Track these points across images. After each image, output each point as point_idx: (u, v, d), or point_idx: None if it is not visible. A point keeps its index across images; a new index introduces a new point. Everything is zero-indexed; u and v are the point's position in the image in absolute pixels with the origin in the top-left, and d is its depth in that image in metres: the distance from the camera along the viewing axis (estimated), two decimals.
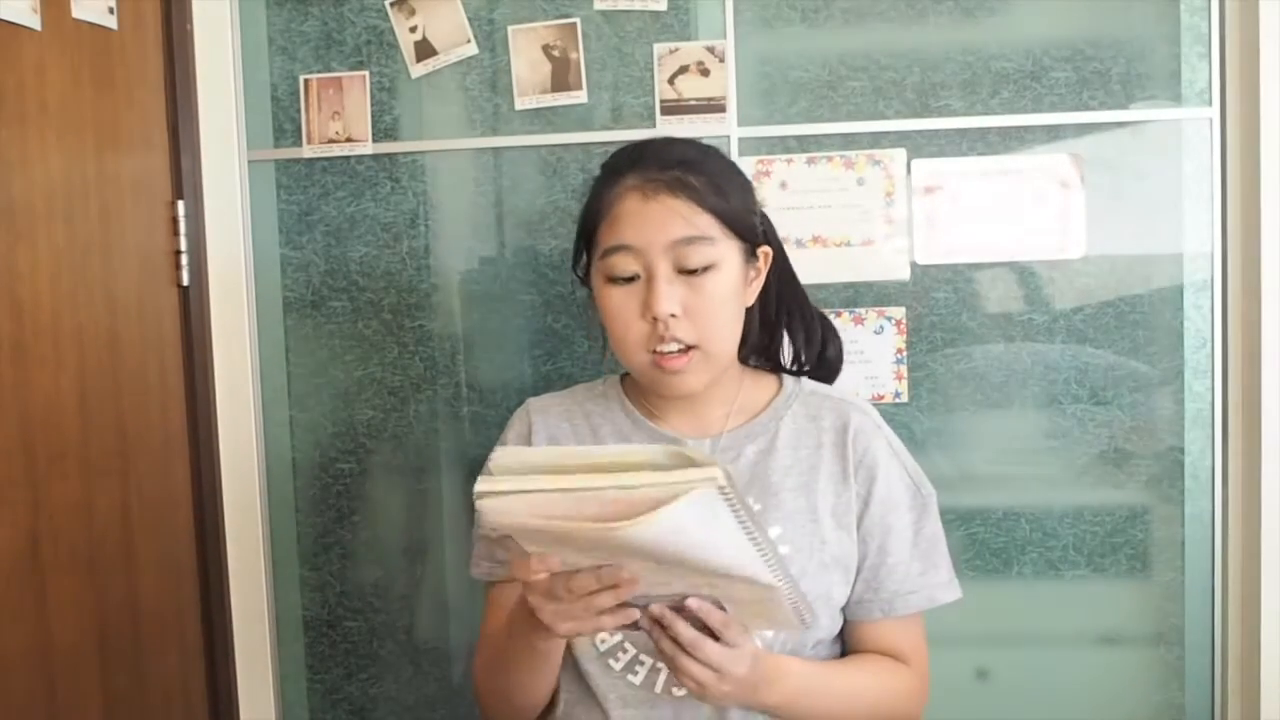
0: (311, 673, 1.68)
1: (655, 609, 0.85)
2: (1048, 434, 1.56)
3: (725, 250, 1.02)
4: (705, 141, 1.12)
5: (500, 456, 0.81)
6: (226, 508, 1.61)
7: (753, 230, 1.06)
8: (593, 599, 0.83)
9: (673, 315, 0.99)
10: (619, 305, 1.02)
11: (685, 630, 0.86)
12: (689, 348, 1.01)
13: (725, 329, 1.04)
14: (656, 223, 0.99)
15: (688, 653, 0.86)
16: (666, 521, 0.71)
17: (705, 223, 1.00)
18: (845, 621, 1.11)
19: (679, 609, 0.86)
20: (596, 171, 1.10)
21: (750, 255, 1.06)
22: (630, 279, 1.01)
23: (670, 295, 0.99)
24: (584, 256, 1.08)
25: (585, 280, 1.09)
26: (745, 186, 1.08)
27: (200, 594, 1.55)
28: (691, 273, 1.00)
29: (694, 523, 0.73)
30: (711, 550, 0.77)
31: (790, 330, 1.18)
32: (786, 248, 1.17)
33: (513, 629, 0.97)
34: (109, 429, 1.35)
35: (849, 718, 1.03)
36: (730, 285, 1.03)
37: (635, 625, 0.86)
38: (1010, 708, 1.58)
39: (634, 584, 0.82)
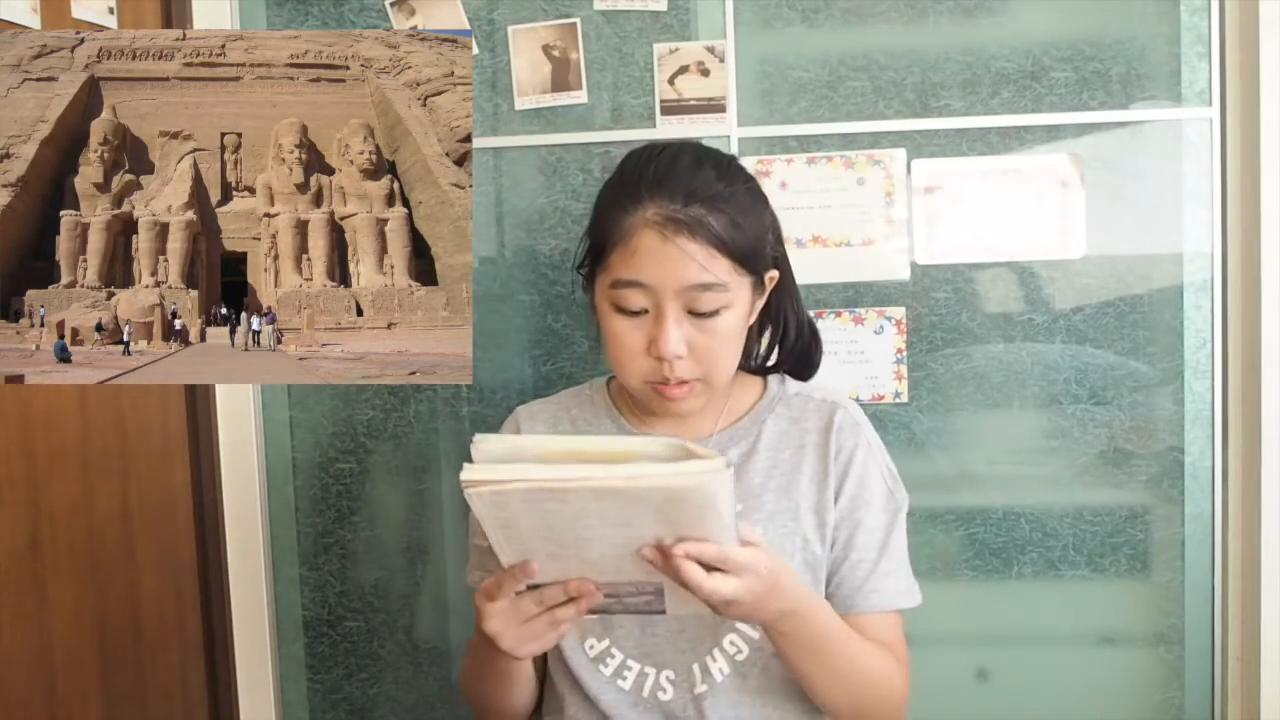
0: (311, 673, 1.68)
1: (649, 553, 0.82)
2: (1048, 434, 1.56)
3: (737, 291, 1.00)
4: (725, 152, 1.07)
5: (485, 444, 0.81)
6: (226, 508, 1.61)
7: (765, 261, 1.04)
8: (555, 613, 0.86)
9: (678, 357, 0.99)
10: (623, 335, 1.01)
11: (693, 572, 0.82)
12: (691, 379, 1.01)
13: (729, 362, 1.03)
14: (673, 266, 0.96)
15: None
16: (714, 485, 0.74)
17: (721, 268, 0.97)
18: None
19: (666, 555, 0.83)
20: (596, 172, 1.08)
21: (759, 283, 1.05)
22: (637, 312, 1.00)
23: (678, 338, 0.98)
24: (587, 259, 1.06)
25: (586, 283, 1.08)
26: (762, 212, 1.04)
27: (200, 594, 1.54)
28: (701, 315, 0.99)
29: (724, 496, 0.77)
30: (714, 524, 0.79)
31: (781, 335, 1.16)
32: (786, 248, 1.15)
33: (479, 650, 0.98)
34: (109, 429, 1.35)
35: (848, 673, 1.01)
36: (738, 322, 1.02)
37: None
38: (1010, 708, 1.58)
39: (597, 595, 0.85)
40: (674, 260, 0.96)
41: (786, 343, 1.15)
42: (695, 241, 0.96)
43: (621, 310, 1.00)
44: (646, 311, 0.99)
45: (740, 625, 1.04)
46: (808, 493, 1.07)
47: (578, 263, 1.09)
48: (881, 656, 1.04)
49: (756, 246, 1.01)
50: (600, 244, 1.02)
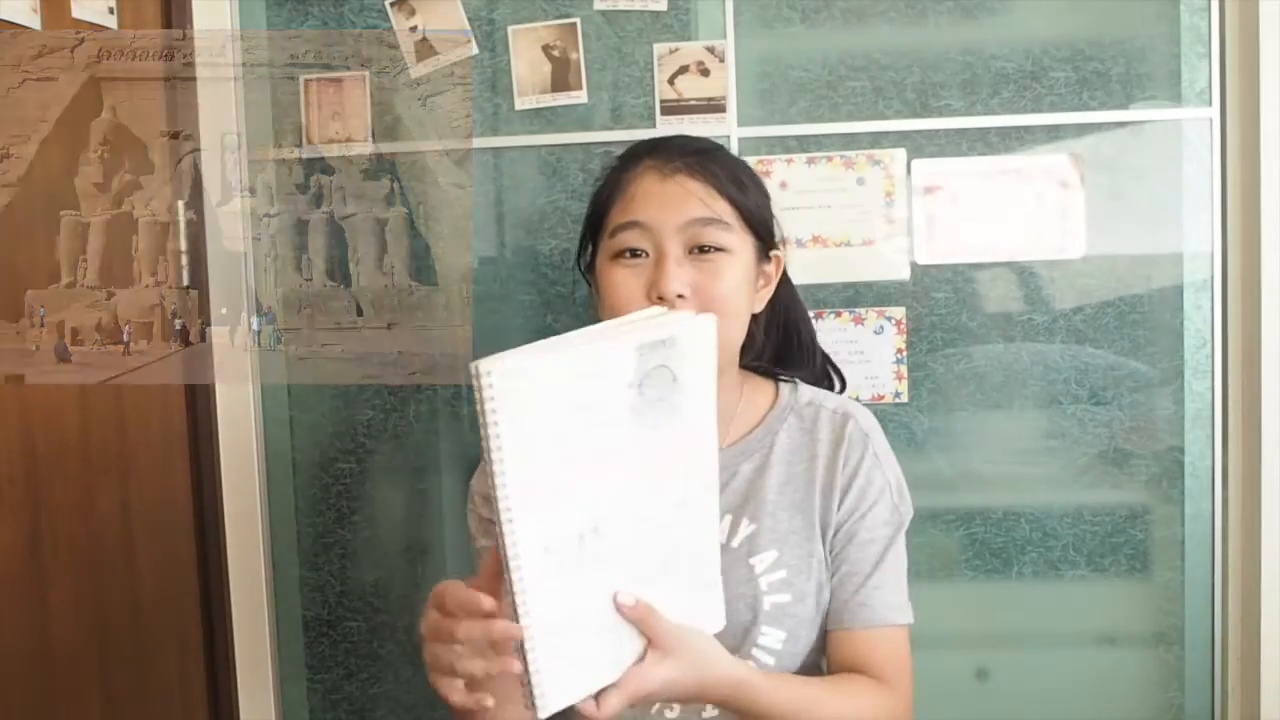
0: (311, 673, 1.68)
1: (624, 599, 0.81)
2: (1048, 434, 1.56)
3: (740, 240, 0.99)
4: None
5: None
6: (226, 508, 1.60)
7: (768, 229, 1.04)
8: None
9: (680, 296, 0.95)
10: (622, 283, 0.97)
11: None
12: None
13: (732, 317, 0.99)
14: (673, 202, 0.96)
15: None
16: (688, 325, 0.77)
17: (722, 208, 0.97)
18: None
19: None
20: (597, 171, 1.09)
21: (764, 256, 1.03)
22: (638, 255, 0.97)
23: (680, 276, 0.95)
24: (589, 247, 1.05)
25: (588, 274, 1.07)
26: (763, 191, 1.06)
27: (200, 594, 1.54)
28: (704, 252, 0.96)
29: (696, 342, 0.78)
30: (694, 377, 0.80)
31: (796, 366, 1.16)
32: (786, 248, 1.15)
33: None
34: (109, 428, 1.35)
35: None
36: (741, 274, 0.99)
37: None
38: (1010, 708, 1.58)
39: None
40: (674, 197, 0.96)
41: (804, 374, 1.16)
42: (695, 179, 0.97)
43: (620, 257, 0.98)
44: (647, 255, 0.97)
45: (756, 651, 1.01)
46: (819, 509, 1.05)
47: (578, 251, 1.08)
48: (854, 695, 0.98)
49: (759, 210, 1.01)
50: (599, 213, 1.02)
